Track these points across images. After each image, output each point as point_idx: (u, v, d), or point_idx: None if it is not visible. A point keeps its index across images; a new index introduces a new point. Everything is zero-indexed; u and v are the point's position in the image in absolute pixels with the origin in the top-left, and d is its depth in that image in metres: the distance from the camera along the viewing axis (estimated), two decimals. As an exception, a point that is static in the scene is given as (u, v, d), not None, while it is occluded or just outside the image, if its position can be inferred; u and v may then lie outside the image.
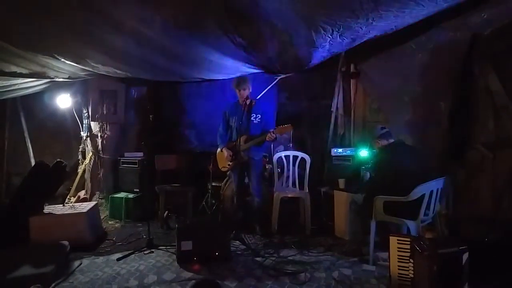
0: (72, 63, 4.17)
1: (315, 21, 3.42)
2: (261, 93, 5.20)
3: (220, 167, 4.56)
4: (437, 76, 3.77)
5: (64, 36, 3.49)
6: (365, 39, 3.91)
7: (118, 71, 4.77)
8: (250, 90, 4.30)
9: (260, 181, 4.43)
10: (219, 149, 4.49)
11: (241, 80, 4.25)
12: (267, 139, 4.08)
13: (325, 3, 3.10)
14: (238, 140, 4.14)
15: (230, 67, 4.85)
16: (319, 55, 4.34)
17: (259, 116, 4.29)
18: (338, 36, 3.74)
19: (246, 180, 4.55)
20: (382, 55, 4.38)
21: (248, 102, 4.28)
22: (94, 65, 4.33)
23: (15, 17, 3.01)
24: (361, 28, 3.55)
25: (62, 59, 3.98)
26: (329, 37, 3.76)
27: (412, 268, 2.71)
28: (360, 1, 2.99)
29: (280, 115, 5.40)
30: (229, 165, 4.30)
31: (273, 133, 3.99)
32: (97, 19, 3.10)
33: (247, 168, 4.36)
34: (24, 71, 4.28)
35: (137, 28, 3.27)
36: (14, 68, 4.15)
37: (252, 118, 4.26)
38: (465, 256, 2.54)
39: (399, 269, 2.82)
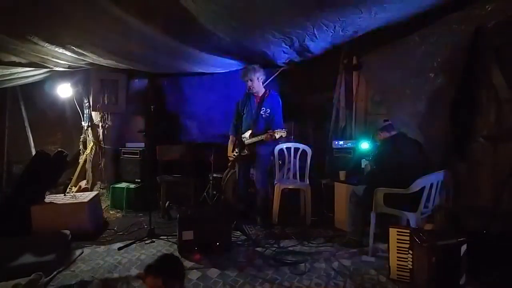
0: (73, 55, 4.17)
1: (317, 19, 3.44)
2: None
3: (228, 156, 4.59)
4: (440, 69, 3.75)
5: (65, 32, 3.50)
6: (367, 31, 3.91)
7: (120, 64, 4.81)
8: (261, 80, 4.29)
9: (265, 175, 4.42)
10: (230, 138, 4.54)
11: (245, 72, 4.23)
12: (264, 139, 4.09)
13: (328, 2, 3.10)
14: (246, 133, 4.24)
15: (229, 63, 4.91)
16: (319, 46, 4.35)
17: (268, 110, 4.26)
18: (340, 30, 3.76)
19: (252, 172, 4.56)
20: (385, 47, 4.36)
21: (261, 93, 4.29)
22: (95, 58, 4.37)
23: (17, 11, 3.00)
24: (363, 21, 3.56)
25: (62, 51, 3.98)
26: (332, 32, 3.79)
27: (411, 260, 2.74)
28: None
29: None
30: (234, 155, 4.29)
31: (270, 134, 3.98)
32: (99, 16, 3.10)
33: (254, 162, 4.37)
34: (23, 61, 4.28)
35: (137, 26, 3.28)
36: (13, 58, 4.15)
37: (261, 112, 4.25)
38: (464, 248, 2.56)
39: (398, 260, 2.86)
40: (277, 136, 3.95)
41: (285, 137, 4.08)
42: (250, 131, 4.25)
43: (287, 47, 4.25)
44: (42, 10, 2.96)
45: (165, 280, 2.01)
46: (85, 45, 3.92)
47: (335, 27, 3.64)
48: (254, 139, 4.20)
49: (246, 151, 4.27)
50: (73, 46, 3.85)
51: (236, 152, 4.22)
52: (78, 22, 3.24)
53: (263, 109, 4.26)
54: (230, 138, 4.52)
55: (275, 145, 4.51)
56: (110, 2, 2.76)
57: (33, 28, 3.36)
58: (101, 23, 3.25)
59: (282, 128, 3.99)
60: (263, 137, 4.07)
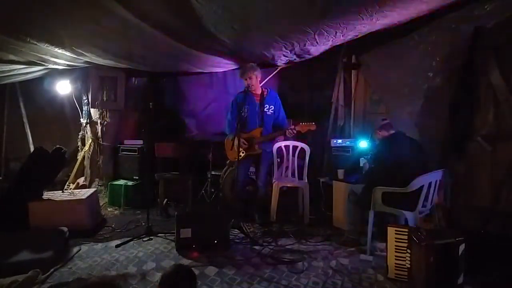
0: (72, 55, 4.18)
1: (318, 26, 3.47)
2: (261, 83, 5.18)
3: (228, 156, 4.47)
4: (439, 68, 3.75)
5: (64, 32, 3.51)
6: (366, 33, 3.92)
7: (118, 64, 4.81)
8: (259, 78, 4.25)
9: (267, 172, 4.42)
10: (228, 138, 4.40)
11: (244, 70, 4.18)
12: (287, 135, 4.09)
13: (330, 10, 3.12)
14: (255, 131, 4.20)
15: (227, 63, 4.94)
16: (320, 49, 4.38)
17: (272, 107, 4.25)
18: (341, 36, 3.80)
19: (251, 170, 4.56)
20: (384, 46, 4.36)
21: (259, 92, 4.27)
22: (94, 58, 4.38)
23: (17, 11, 2.99)
24: (364, 27, 3.58)
25: (62, 51, 3.98)
26: (333, 37, 3.81)
27: (409, 259, 2.73)
28: (365, 5, 2.99)
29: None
30: (240, 156, 4.10)
31: (295, 129, 3.97)
32: (99, 16, 3.10)
33: (258, 159, 4.34)
34: (21, 59, 4.29)
35: (137, 26, 3.28)
36: (12, 57, 4.15)
37: (265, 109, 4.22)
38: (462, 247, 2.56)
39: (396, 259, 2.86)
40: (304, 129, 3.96)
41: (314, 130, 4.05)
42: (259, 129, 4.21)
43: (288, 51, 4.28)
44: (42, 11, 2.96)
45: None
46: (85, 45, 3.93)
47: (336, 33, 3.68)
48: (271, 136, 4.22)
49: (256, 150, 4.23)
50: (72, 46, 3.85)
51: (243, 152, 4.16)
52: (77, 22, 3.24)
53: (267, 107, 4.23)
54: (230, 137, 4.45)
55: (275, 142, 4.50)
56: (111, 1, 2.75)
57: (32, 29, 3.36)
58: (101, 23, 3.25)
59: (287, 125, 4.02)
60: (284, 132, 4.06)
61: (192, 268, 3.02)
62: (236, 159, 4.00)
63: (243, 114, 4.18)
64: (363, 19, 3.31)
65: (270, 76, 5.30)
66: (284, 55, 4.49)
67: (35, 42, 3.60)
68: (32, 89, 5.94)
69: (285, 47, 4.11)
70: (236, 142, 3.99)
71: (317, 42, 3.93)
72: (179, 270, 2.12)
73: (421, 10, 3.39)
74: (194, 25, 3.29)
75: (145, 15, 3.10)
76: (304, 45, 4.03)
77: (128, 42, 3.83)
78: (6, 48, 3.82)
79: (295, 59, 4.76)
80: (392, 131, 3.49)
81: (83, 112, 5.66)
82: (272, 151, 4.41)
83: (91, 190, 4.59)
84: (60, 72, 5.37)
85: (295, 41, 3.91)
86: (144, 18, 3.14)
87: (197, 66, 5.14)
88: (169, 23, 3.30)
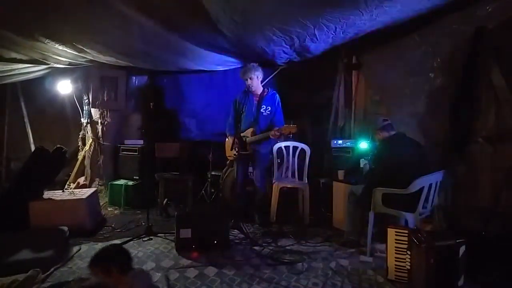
0: (73, 52, 4.18)
1: (318, 20, 3.46)
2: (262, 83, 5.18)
3: (226, 155, 4.55)
4: (440, 69, 3.75)
5: (66, 28, 3.51)
6: (367, 32, 3.91)
7: (119, 61, 4.80)
8: (260, 78, 4.26)
9: (264, 173, 4.40)
10: (227, 138, 4.47)
11: (245, 70, 4.19)
12: (271, 136, 4.07)
13: (330, 3, 3.10)
14: (247, 131, 4.21)
15: (228, 60, 4.94)
16: (320, 47, 4.36)
17: (269, 108, 4.24)
18: (341, 32, 3.79)
19: (250, 171, 4.56)
20: (384, 46, 4.35)
21: (259, 92, 4.27)
22: (95, 55, 4.37)
23: (19, 8, 3.00)
24: (364, 23, 3.57)
25: (63, 48, 3.98)
26: (332, 33, 3.81)
27: (409, 260, 2.73)
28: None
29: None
30: (234, 155, 4.19)
31: (277, 131, 3.95)
32: (100, 11, 3.10)
33: (253, 160, 4.36)
34: (24, 57, 4.29)
35: (138, 20, 3.28)
36: (14, 55, 4.16)
37: (261, 110, 4.22)
38: (462, 249, 2.56)
39: (396, 260, 2.85)
40: (285, 132, 3.91)
41: (294, 133, 4.00)
42: (251, 129, 4.23)
43: (287, 46, 4.25)
44: (44, 7, 2.96)
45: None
46: (85, 41, 3.92)
47: (336, 29, 3.66)
48: (258, 137, 4.19)
49: (248, 150, 4.25)
50: (73, 42, 3.85)
51: (236, 151, 4.18)
52: (78, 17, 3.24)
53: (264, 107, 4.23)
54: (228, 137, 4.49)
55: (273, 143, 4.49)
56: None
57: (34, 25, 3.37)
58: (102, 18, 3.25)
59: (283, 125, 3.99)
60: (269, 134, 4.04)
61: (192, 269, 3.07)
62: (231, 158, 4.01)
63: (241, 113, 4.20)
64: (363, 15, 3.30)
65: (270, 76, 5.29)
66: (284, 52, 4.46)
67: (37, 38, 3.60)
68: (33, 88, 5.95)
69: (285, 42, 4.08)
70: (232, 142, 4.04)
71: (317, 38, 3.90)
72: (108, 248, 2.32)
73: (421, 8, 3.38)
74: (194, 18, 3.28)
75: (147, 10, 3.09)
76: (304, 41, 4.01)
77: (129, 38, 3.80)
78: (8, 45, 3.83)
79: (295, 58, 4.76)
80: (393, 132, 3.48)
81: (84, 111, 5.67)
82: (267, 152, 4.40)
83: (91, 190, 4.60)
84: (61, 71, 5.38)
85: (295, 36, 3.88)
86: (145, 13, 3.14)
87: (198, 63, 5.12)
88: (171, 18, 3.29)
